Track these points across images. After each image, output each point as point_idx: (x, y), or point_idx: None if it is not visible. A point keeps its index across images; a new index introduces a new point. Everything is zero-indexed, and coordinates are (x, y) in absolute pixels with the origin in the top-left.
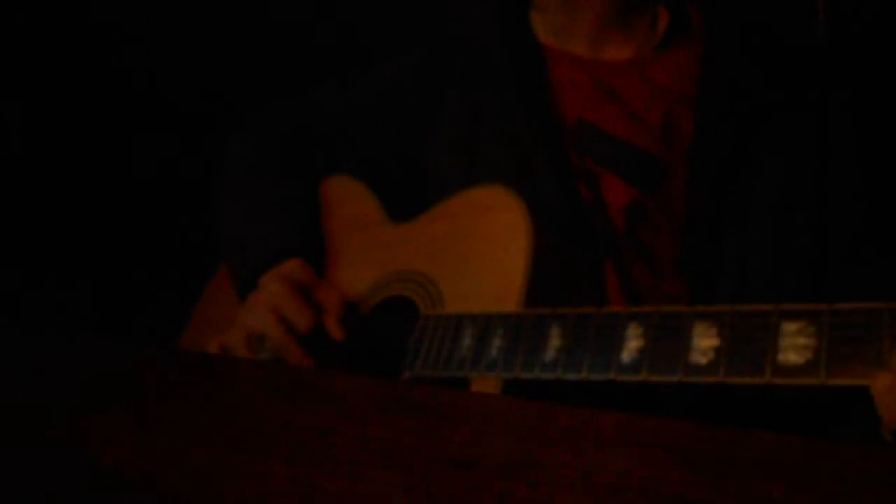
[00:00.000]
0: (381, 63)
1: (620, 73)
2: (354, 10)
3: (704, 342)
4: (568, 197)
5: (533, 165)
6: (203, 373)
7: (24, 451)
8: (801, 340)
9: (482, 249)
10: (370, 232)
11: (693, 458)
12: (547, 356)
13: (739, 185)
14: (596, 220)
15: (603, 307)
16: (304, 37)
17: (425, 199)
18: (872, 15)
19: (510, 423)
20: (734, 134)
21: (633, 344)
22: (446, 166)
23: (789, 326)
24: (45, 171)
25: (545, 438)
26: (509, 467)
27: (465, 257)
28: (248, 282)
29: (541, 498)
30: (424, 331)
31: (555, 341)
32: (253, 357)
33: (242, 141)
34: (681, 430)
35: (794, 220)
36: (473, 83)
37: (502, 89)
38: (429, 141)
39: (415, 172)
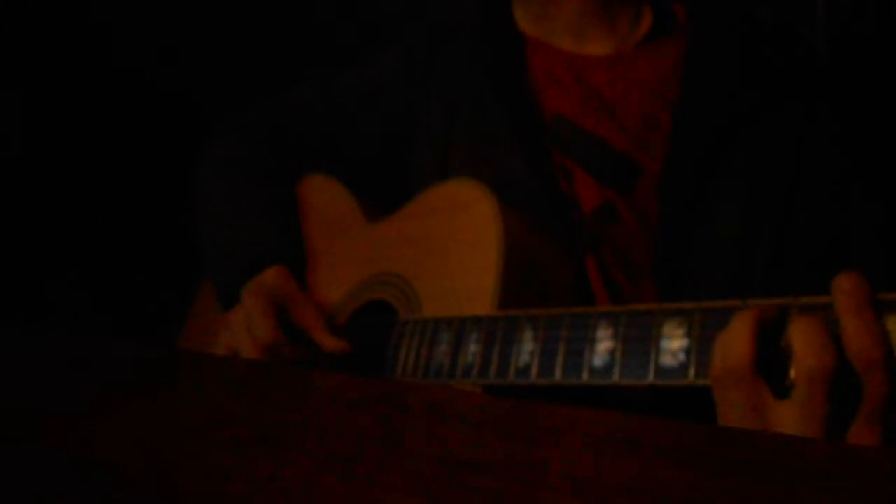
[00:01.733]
0: (362, 61)
1: (601, 69)
2: (333, 6)
3: (674, 343)
4: (546, 191)
5: (510, 158)
6: (203, 373)
7: (23, 451)
8: None
9: (454, 247)
10: (349, 233)
11: (693, 458)
12: (521, 361)
13: (712, 193)
14: (575, 215)
15: (579, 306)
16: (285, 35)
17: (407, 197)
18: (860, 24)
19: (509, 423)
20: (712, 138)
21: (603, 346)
22: (424, 162)
23: None
24: (44, 172)
25: (545, 438)
26: (509, 467)
27: (438, 256)
28: (231, 292)
29: (540, 498)
30: (401, 337)
31: (528, 345)
32: None
33: (218, 143)
34: (681, 429)
35: (760, 232)
36: (452, 75)
37: (480, 79)
38: (410, 137)
39: (397, 170)
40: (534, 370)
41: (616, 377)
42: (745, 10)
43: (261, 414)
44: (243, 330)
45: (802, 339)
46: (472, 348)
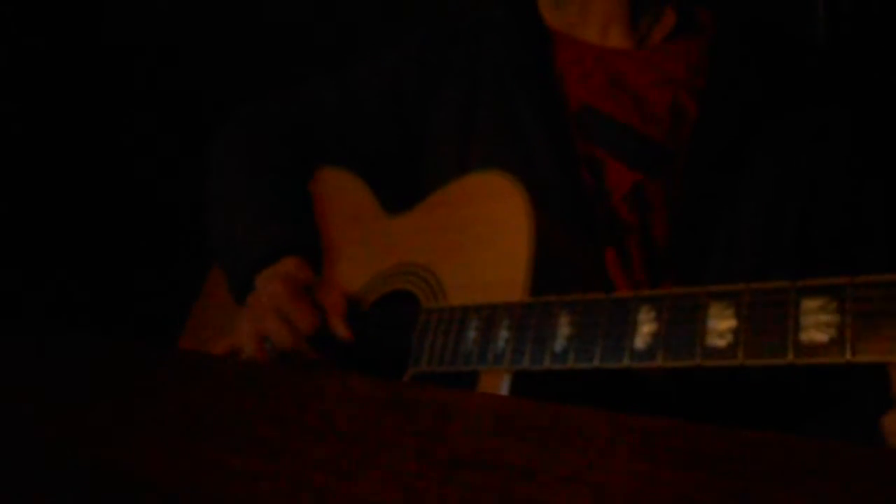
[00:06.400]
0: (377, 52)
1: (627, 60)
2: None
3: (721, 324)
4: (570, 182)
5: (534, 150)
6: (202, 373)
7: (23, 450)
8: (824, 317)
9: (483, 238)
10: (366, 225)
11: (693, 458)
12: (557, 345)
13: (735, 180)
14: (598, 208)
15: (611, 293)
16: (303, 31)
17: (422, 190)
18: (873, 18)
19: (510, 423)
20: (736, 126)
21: (646, 328)
22: (443, 154)
23: (810, 303)
24: (44, 171)
25: (545, 438)
26: (509, 467)
27: (466, 247)
28: (244, 283)
29: (541, 498)
30: (427, 325)
31: (564, 329)
32: (263, 359)
33: (229, 135)
34: (681, 429)
35: (783, 223)
36: (471, 67)
37: (504, 72)
38: (426, 129)
39: (411, 163)
40: (571, 355)
41: (660, 360)
42: (763, 7)
43: (263, 414)
44: (274, 316)
45: None
46: (504, 334)
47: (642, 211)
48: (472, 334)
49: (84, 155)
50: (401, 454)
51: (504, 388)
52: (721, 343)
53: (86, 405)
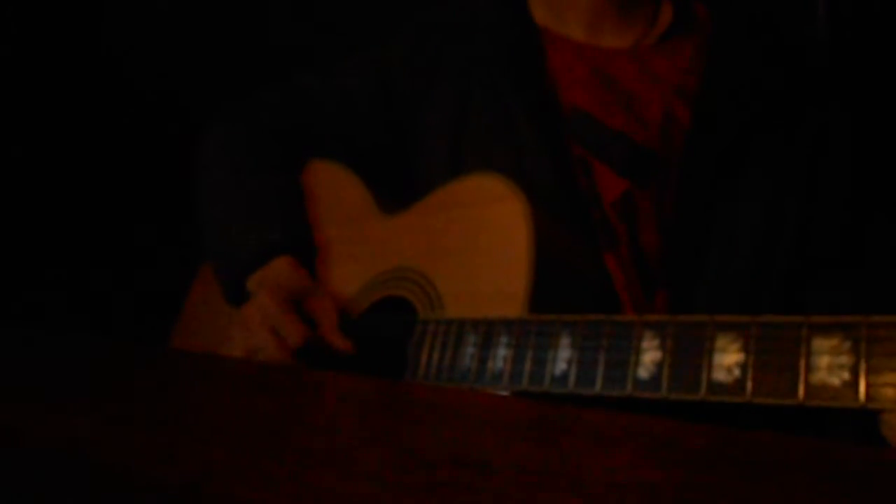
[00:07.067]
0: (368, 48)
1: (620, 61)
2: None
3: (728, 358)
4: (565, 186)
5: (528, 151)
6: (201, 372)
7: (20, 450)
8: (837, 359)
9: (481, 245)
10: (362, 224)
11: (692, 457)
12: (557, 368)
13: (731, 186)
14: (594, 211)
15: (613, 313)
16: (292, 27)
17: (415, 187)
18: (873, 18)
19: (510, 423)
20: (731, 133)
21: (649, 357)
22: (435, 154)
23: (822, 343)
24: (40, 172)
25: (545, 438)
26: (509, 467)
27: (464, 254)
28: (236, 285)
29: (540, 498)
30: (423, 337)
31: (564, 352)
32: None
33: (218, 131)
34: (681, 429)
35: (782, 226)
36: (462, 69)
37: (495, 72)
38: (418, 129)
39: (406, 160)
40: (572, 379)
41: (664, 391)
42: (762, 8)
43: (262, 414)
44: (264, 330)
45: None
46: (502, 353)
47: (631, 220)
48: (469, 350)
49: (78, 154)
50: (400, 454)
51: None
52: (728, 379)
53: (86, 405)
